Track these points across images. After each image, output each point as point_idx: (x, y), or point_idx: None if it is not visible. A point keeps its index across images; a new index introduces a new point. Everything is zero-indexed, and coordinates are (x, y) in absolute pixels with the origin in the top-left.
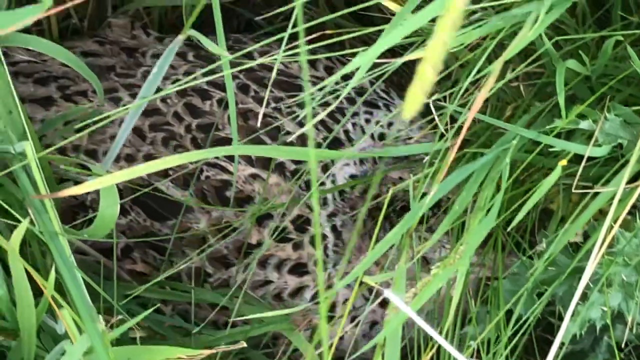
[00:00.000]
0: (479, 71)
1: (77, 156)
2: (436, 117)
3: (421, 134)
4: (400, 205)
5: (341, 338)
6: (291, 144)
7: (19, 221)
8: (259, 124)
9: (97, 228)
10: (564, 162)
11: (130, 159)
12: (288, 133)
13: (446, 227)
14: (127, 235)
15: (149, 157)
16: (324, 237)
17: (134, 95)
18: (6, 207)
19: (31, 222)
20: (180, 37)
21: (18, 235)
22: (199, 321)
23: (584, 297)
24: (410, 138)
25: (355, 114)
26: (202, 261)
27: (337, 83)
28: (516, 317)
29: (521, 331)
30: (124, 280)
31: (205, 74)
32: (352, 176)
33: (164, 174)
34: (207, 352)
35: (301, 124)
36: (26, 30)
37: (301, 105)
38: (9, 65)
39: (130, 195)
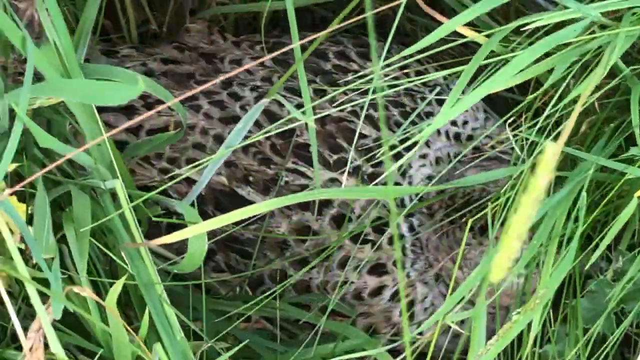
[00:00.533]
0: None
1: (160, 164)
2: (513, 142)
3: (498, 147)
4: (475, 203)
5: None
6: (367, 147)
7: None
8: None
9: (186, 265)
10: (639, 193)
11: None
12: (364, 136)
13: (525, 260)
14: (209, 239)
15: (230, 164)
16: (402, 237)
17: (213, 103)
18: (107, 251)
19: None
20: (264, 101)
21: (114, 293)
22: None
23: None
24: (485, 144)
25: (429, 114)
26: (284, 264)
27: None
28: (594, 336)
29: (602, 350)
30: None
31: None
32: (429, 177)
33: (244, 180)
34: None
35: (376, 126)
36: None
37: (376, 107)
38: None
39: (213, 203)
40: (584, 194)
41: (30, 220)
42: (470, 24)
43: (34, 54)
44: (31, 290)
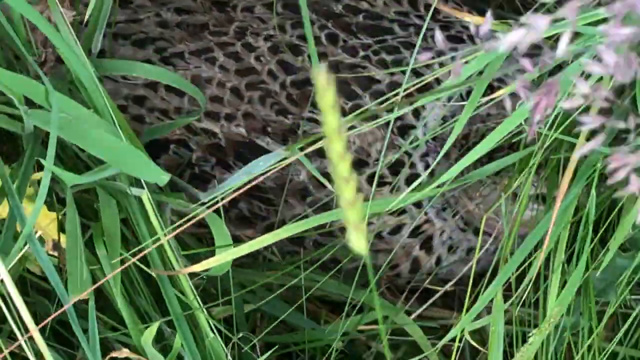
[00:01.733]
0: None
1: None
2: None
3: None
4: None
5: (439, 264)
6: (382, 92)
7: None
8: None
9: (214, 272)
10: None
11: (231, 118)
12: (379, 82)
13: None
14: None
15: (247, 115)
16: (418, 176)
17: (228, 55)
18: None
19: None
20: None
21: (150, 334)
22: None
23: None
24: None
25: (441, 53)
26: (305, 210)
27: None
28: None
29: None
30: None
31: (294, 28)
32: (443, 117)
33: (262, 130)
34: None
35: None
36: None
37: (388, 50)
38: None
39: (233, 154)
40: (593, 193)
41: (62, 227)
42: None
43: (56, 100)
44: None
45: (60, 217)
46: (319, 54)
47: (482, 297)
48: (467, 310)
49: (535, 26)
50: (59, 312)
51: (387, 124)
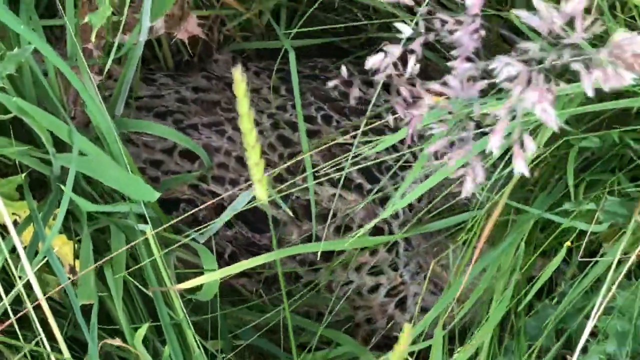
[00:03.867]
0: None
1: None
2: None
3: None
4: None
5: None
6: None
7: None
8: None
9: (202, 295)
10: (568, 243)
11: (234, 183)
12: (365, 159)
13: (470, 303)
14: (232, 244)
15: (249, 181)
16: (397, 243)
17: (236, 128)
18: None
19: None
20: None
21: (140, 333)
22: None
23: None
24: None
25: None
26: (295, 266)
27: None
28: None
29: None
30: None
31: (294, 108)
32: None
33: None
34: None
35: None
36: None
37: (376, 132)
38: (135, 100)
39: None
40: (522, 246)
41: (77, 255)
42: None
43: (78, 139)
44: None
45: (76, 246)
46: (314, 132)
47: None
48: None
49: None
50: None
51: (369, 194)
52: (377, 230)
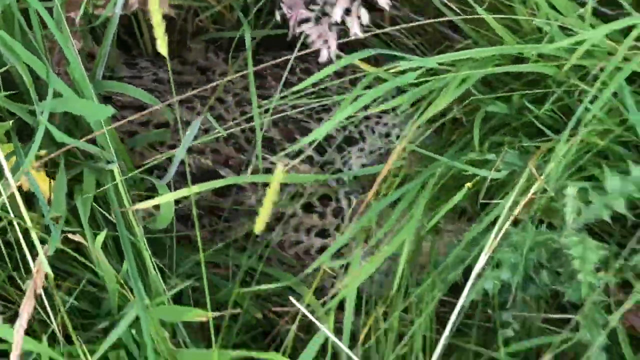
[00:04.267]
0: None
1: (162, 149)
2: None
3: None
4: None
5: None
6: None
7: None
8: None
9: (159, 223)
10: (469, 184)
11: (201, 152)
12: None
13: (391, 223)
14: (199, 206)
15: (215, 151)
16: (342, 209)
17: (204, 105)
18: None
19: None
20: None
21: (100, 238)
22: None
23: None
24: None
25: (368, 118)
26: (251, 226)
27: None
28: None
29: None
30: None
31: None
32: (363, 165)
33: (225, 163)
34: (210, 314)
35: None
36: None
37: (326, 110)
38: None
39: (199, 180)
40: (430, 181)
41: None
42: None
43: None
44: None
45: (52, 182)
46: (273, 109)
47: None
48: None
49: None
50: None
51: (321, 166)
52: (325, 197)
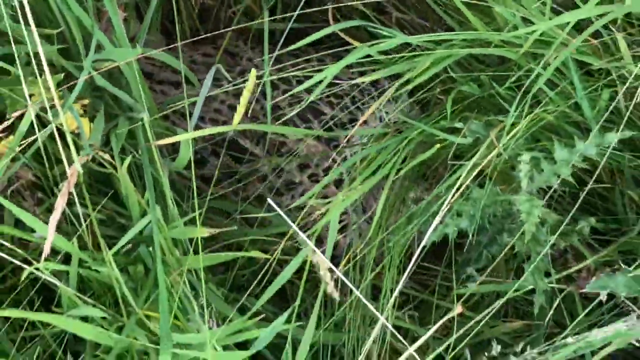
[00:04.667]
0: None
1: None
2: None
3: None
4: None
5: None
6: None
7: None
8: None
9: (178, 162)
10: (438, 145)
11: (226, 124)
12: (325, 114)
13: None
14: (220, 171)
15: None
16: (343, 180)
17: (229, 83)
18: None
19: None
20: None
21: (126, 162)
22: None
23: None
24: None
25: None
26: (265, 191)
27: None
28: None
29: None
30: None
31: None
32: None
33: (244, 133)
34: (215, 230)
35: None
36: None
37: (336, 96)
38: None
39: (221, 146)
40: (404, 142)
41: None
42: None
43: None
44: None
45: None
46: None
47: None
48: None
49: None
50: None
51: (327, 142)
52: (328, 168)
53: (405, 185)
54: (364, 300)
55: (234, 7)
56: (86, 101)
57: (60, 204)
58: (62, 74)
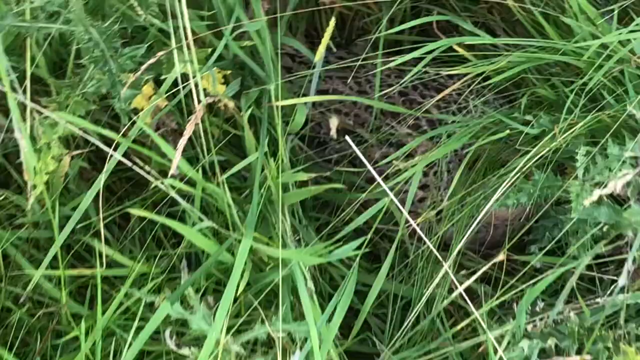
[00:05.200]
0: None
1: None
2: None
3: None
4: None
5: None
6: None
7: None
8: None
9: (293, 125)
10: (507, 131)
11: (347, 115)
12: (419, 102)
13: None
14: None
15: (356, 116)
16: (442, 172)
17: (356, 83)
18: None
19: None
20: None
21: (248, 111)
22: None
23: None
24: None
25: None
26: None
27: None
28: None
29: None
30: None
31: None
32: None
33: (362, 124)
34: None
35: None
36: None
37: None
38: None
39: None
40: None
41: None
42: None
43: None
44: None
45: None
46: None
47: None
48: None
49: None
50: None
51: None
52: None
53: (477, 168)
54: (432, 248)
55: (366, 18)
56: (228, 72)
57: (188, 130)
58: (210, 49)
